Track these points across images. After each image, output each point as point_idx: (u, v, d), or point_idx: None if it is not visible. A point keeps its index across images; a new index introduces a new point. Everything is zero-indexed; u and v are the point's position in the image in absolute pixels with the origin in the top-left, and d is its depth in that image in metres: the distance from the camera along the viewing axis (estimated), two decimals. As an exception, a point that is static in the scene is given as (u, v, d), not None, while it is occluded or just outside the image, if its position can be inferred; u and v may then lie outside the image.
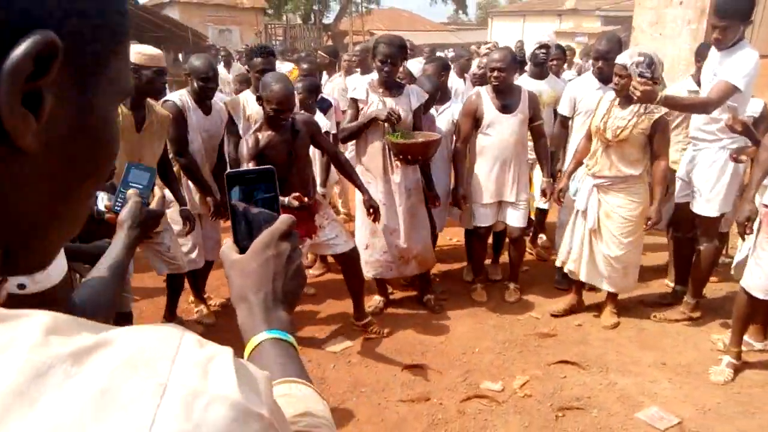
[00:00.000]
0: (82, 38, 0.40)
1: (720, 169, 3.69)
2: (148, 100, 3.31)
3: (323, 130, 3.95)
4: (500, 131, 3.99)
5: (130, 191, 1.31)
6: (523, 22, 24.09)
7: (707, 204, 3.73)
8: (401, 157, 3.75)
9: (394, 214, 3.91)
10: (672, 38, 6.80)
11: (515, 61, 4.03)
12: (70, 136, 0.42)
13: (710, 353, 3.61)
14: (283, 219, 0.74)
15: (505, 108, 3.97)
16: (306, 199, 3.22)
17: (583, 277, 3.95)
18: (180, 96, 3.65)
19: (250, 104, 3.94)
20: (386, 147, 3.82)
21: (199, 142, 3.69)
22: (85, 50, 0.41)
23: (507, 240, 4.46)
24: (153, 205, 1.36)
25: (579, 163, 3.90)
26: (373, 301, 4.22)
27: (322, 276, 4.79)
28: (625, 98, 3.55)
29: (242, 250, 0.74)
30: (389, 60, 3.68)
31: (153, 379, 0.34)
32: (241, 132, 3.82)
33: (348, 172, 3.68)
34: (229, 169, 0.86)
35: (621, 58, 3.56)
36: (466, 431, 2.90)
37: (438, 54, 5.99)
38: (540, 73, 4.70)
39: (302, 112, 3.72)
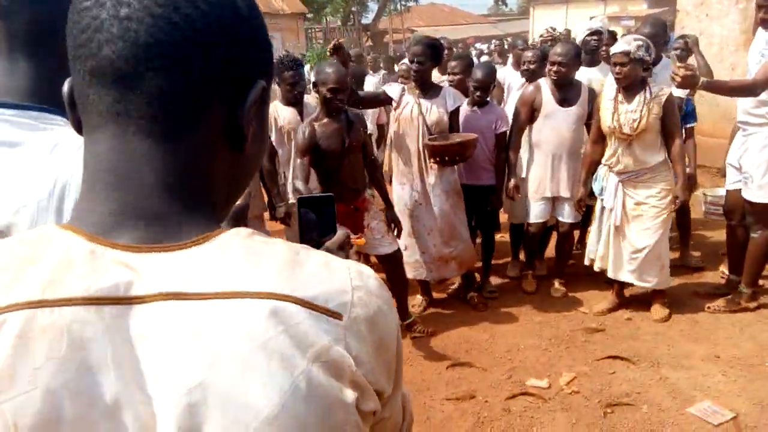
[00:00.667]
0: (268, 78, 0.64)
1: None
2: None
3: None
4: (557, 124, 3.97)
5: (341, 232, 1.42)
6: (566, 9, 23.54)
7: (759, 190, 3.58)
8: (437, 158, 3.76)
9: (431, 214, 3.92)
10: (719, 19, 6.55)
11: (578, 56, 3.97)
12: (256, 141, 0.65)
13: (768, 344, 3.47)
14: (340, 234, 0.94)
15: (564, 101, 3.95)
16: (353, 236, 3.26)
17: (610, 273, 3.88)
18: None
19: (281, 115, 4.01)
20: (421, 148, 3.84)
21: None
22: (269, 74, 0.65)
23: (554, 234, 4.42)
24: (240, 199, 1.45)
25: (591, 169, 3.86)
26: (416, 301, 4.24)
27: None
28: (626, 89, 3.51)
29: None
30: (417, 59, 3.69)
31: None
32: (274, 144, 3.91)
33: (378, 179, 3.71)
34: (299, 195, 1.15)
35: (619, 46, 3.50)
36: (512, 429, 2.89)
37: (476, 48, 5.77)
38: (591, 60, 4.57)
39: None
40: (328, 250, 0.89)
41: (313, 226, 0.96)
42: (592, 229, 3.99)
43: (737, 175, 3.79)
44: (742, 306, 3.81)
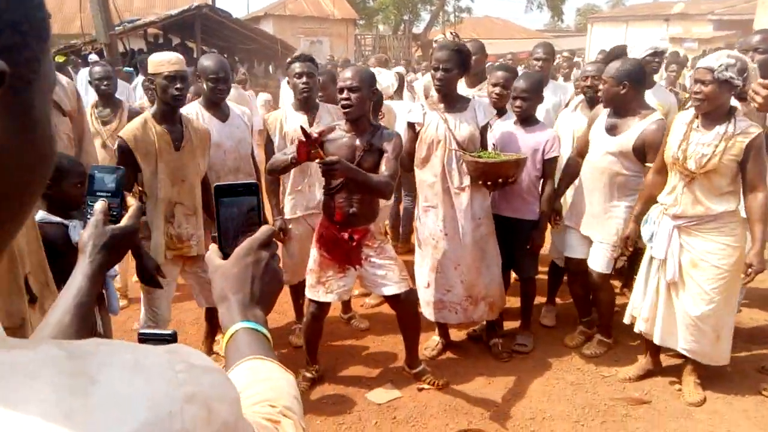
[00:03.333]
0: (17, 48, 0.42)
1: None
2: (183, 114, 3.02)
3: None
4: (596, 154, 3.41)
5: (98, 203, 1.07)
6: (626, 28, 22.61)
7: None
8: (484, 179, 3.23)
9: (458, 246, 3.39)
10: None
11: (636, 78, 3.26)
12: (17, 149, 0.43)
13: None
14: (263, 230, 0.86)
15: (612, 129, 3.35)
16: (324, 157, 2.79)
17: (657, 340, 3.20)
18: (192, 109, 3.34)
19: (289, 120, 3.58)
20: (446, 169, 3.31)
21: (221, 154, 3.34)
22: (19, 60, 0.42)
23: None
24: (124, 220, 1.07)
25: (649, 202, 3.18)
26: (431, 342, 3.70)
27: (378, 306, 4.31)
28: (707, 116, 2.86)
29: (225, 256, 0.85)
30: (442, 66, 3.16)
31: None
32: (276, 150, 3.47)
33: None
34: (217, 183, 0.89)
35: (705, 61, 2.86)
36: None
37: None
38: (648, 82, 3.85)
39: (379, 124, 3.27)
40: (251, 249, 0.84)
41: (234, 219, 0.86)
42: (637, 281, 3.32)
43: None
44: None
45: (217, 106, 3.40)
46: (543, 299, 4.09)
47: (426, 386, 3.28)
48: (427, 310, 3.52)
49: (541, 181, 3.55)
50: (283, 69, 11.38)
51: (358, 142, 2.98)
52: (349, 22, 25.01)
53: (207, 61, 3.32)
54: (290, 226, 3.63)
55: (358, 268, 3.16)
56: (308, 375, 3.29)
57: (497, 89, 3.62)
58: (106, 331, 2.58)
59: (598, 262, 3.43)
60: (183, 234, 3.02)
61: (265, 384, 0.75)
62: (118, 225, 1.06)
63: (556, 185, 3.60)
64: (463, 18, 31.64)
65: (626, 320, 3.37)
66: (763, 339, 3.81)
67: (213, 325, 3.55)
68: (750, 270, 2.82)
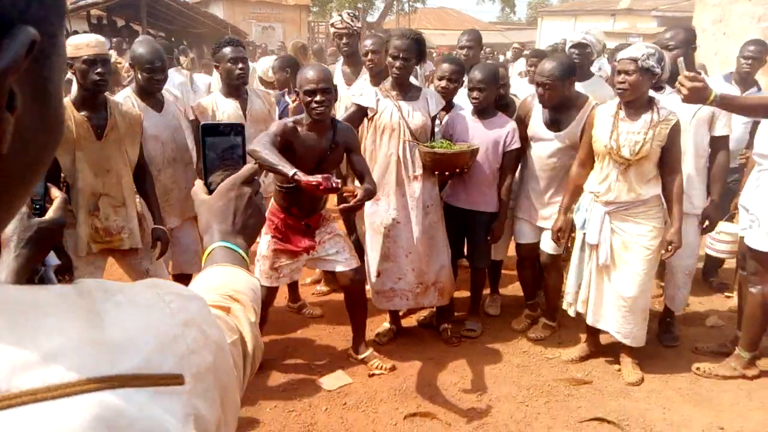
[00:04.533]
0: (43, 23, 0.40)
1: None
2: (110, 99, 2.89)
3: None
4: (543, 149, 3.49)
5: None
6: (575, 22, 23.08)
7: (766, 237, 3.07)
8: (439, 169, 3.31)
9: (410, 234, 3.42)
10: (738, 37, 6.05)
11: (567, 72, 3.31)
12: (32, 125, 0.42)
13: (781, 416, 2.97)
14: (247, 167, 0.91)
15: (553, 124, 3.43)
16: (326, 182, 2.65)
17: (589, 320, 3.36)
18: (124, 96, 3.22)
19: (220, 108, 3.53)
20: (401, 158, 3.33)
21: (159, 145, 3.23)
22: (43, 32, 0.40)
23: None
24: (50, 212, 1.05)
25: (575, 194, 3.31)
26: (382, 329, 3.73)
27: (328, 294, 4.31)
28: (631, 105, 3.01)
29: (211, 191, 0.91)
30: (402, 55, 3.18)
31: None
32: None
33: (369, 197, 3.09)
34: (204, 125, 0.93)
35: (627, 51, 2.99)
36: (472, 508, 2.38)
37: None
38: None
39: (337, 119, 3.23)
40: (234, 184, 0.89)
41: (218, 157, 0.91)
42: (571, 266, 3.43)
43: (746, 219, 3.28)
44: (738, 373, 3.29)
45: (152, 95, 3.28)
46: (486, 290, 4.18)
47: (376, 371, 3.31)
48: (377, 300, 3.54)
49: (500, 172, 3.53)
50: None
51: (323, 141, 2.96)
52: (302, 8, 24.63)
53: (141, 49, 3.18)
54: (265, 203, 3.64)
55: (311, 252, 3.16)
56: None
57: (443, 83, 3.58)
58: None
59: (549, 243, 3.53)
60: (111, 227, 2.87)
61: (223, 278, 0.81)
62: (44, 218, 1.02)
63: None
64: (417, 8, 31.66)
65: (564, 306, 3.49)
66: (697, 320, 4.01)
67: None
68: (670, 246, 3.03)
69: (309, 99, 2.84)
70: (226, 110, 3.52)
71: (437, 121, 3.58)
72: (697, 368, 3.36)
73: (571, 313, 3.43)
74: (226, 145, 0.91)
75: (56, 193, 1.08)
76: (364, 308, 3.36)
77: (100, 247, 2.89)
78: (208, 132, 0.91)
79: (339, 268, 3.23)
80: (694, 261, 3.64)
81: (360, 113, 3.36)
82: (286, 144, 2.84)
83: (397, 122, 3.31)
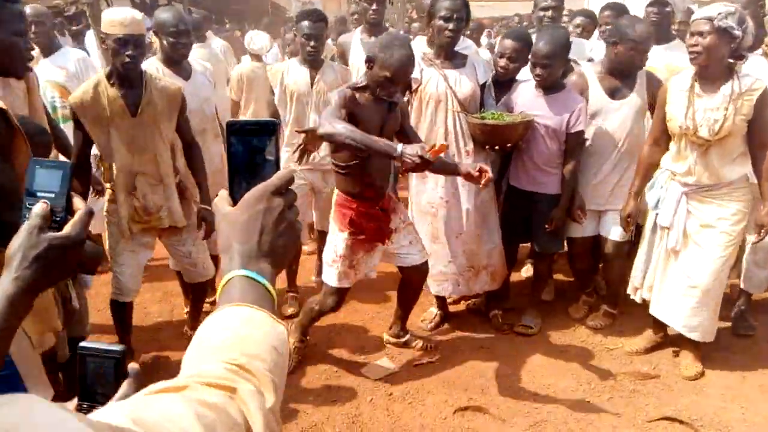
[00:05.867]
0: None
1: None
2: (149, 74, 2.73)
3: None
4: (608, 122, 3.17)
5: (37, 206, 0.85)
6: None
7: None
8: (489, 143, 3.04)
9: (459, 214, 3.19)
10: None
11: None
12: None
13: None
14: (280, 174, 0.73)
15: (616, 92, 3.13)
16: (429, 151, 2.39)
17: (655, 312, 3.04)
18: (149, 65, 3.05)
19: (291, 73, 3.48)
20: (449, 130, 3.10)
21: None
22: None
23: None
24: (67, 227, 0.84)
25: (647, 177, 2.98)
26: (428, 314, 3.52)
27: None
28: (705, 76, 2.65)
29: (236, 203, 0.74)
30: (456, 16, 2.91)
31: None
32: (276, 102, 3.51)
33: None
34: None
35: (702, 12, 2.63)
36: None
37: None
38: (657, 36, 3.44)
39: None
40: (263, 195, 0.72)
41: (247, 161, 0.74)
42: (640, 250, 3.12)
43: None
44: None
45: (178, 63, 3.16)
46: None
47: (420, 356, 3.12)
48: (426, 284, 3.33)
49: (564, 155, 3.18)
50: (275, 28, 10.95)
51: (383, 106, 2.69)
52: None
53: (164, 14, 3.06)
54: None
55: (386, 242, 2.90)
56: (300, 346, 3.10)
57: (503, 61, 3.27)
58: (81, 305, 2.38)
59: (614, 229, 3.23)
60: (149, 205, 2.75)
61: (236, 333, 0.64)
62: (58, 234, 0.83)
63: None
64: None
65: (629, 291, 3.19)
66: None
67: (194, 299, 3.32)
68: (763, 230, 2.70)
69: (387, 84, 2.52)
70: (296, 78, 3.44)
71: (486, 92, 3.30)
72: (779, 363, 3.04)
73: (637, 298, 3.15)
74: (256, 147, 0.74)
75: (79, 204, 0.88)
76: (418, 295, 3.16)
77: (139, 227, 2.79)
78: (234, 130, 0.74)
79: (410, 262, 2.95)
80: None
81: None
82: (348, 115, 2.56)
83: (444, 92, 3.06)
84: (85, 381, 0.75)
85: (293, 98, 3.45)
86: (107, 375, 0.75)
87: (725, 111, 2.62)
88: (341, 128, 2.41)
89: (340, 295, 2.90)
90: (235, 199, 0.74)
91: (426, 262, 3.00)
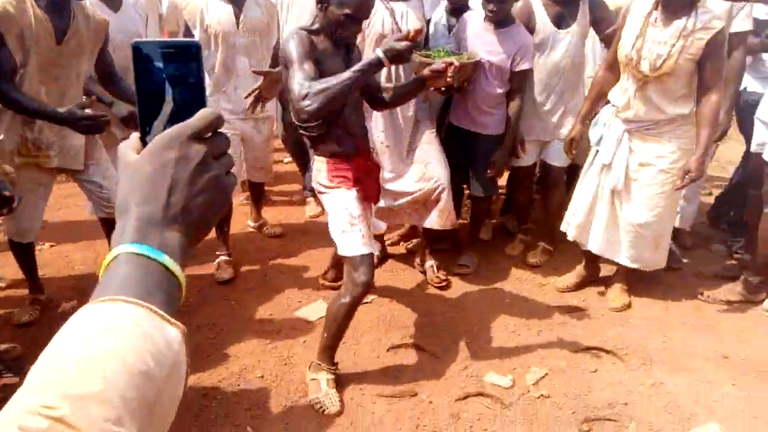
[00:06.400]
0: None
1: None
2: (76, 0, 2.49)
3: None
4: (553, 52, 3.11)
5: None
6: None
7: None
8: (434, 84, 2.81)
9: (399, 157, 3.08)
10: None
11: None
12: None
13: (789, 343, 2.80)
14: (202, 114, 0.56)
15: (562, 21, 3.06)
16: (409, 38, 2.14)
17: (595, 249, 3.06)
18: None
19: (210, 11, 3.05)
20: (392, 71, 2.95)
21: (110, 50, 2.78)
22: None
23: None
24: None
25: (597, 102, 2.95)
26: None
27: (316, 217, 4.05)
28: (668, 7, 2.56)
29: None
30: None
31: None
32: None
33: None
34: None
35: None
36: (459, 445, 2.21)
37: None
38: None
39: None
40: (177, 139, 0.54)
41: (161, 95, 0.56)
42: (579, 187, 3.13)
43: (765, 134, 2.98)
44: (744, 298, 3.08)
45: None
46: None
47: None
48: (379, 217, 3.20)
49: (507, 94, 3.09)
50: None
51: (341, 49, 2.33)
52: None
53: None
54: None
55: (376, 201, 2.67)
56: (330, 377, 2.47)
57: None
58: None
59: (556, 155, 3.24)
60: (42, 140, 2.53)
61: (81, 354, 0.43)
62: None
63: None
64: None
65: (563, 227, 3.23)
66: (700, 244, 3.79)
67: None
68: (687, 176, 2.64)
69: (349, 22, 2.18)
70: (219, 16, 3.04)
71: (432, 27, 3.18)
72: (701, 293, 3.16)
73: (569, 236, 3.18)
74: (173, 77, 0.57)
75: None
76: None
77: (23, 161, 2.54)
78: (144, 56, 0.56)
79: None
80: (705, 172, 3.36)
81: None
82: (314, 59, 2.20)
83: (390, 29, 2.87)
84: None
85: (218, 39, 3.08)
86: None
87: (671, 47, 2.56)
88: (327, 91, 2.01)
89: (370, 263, 2.34)
90: (146, 144, 0.57)
91: None
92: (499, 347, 2.76)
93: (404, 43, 2.02)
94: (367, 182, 2.44)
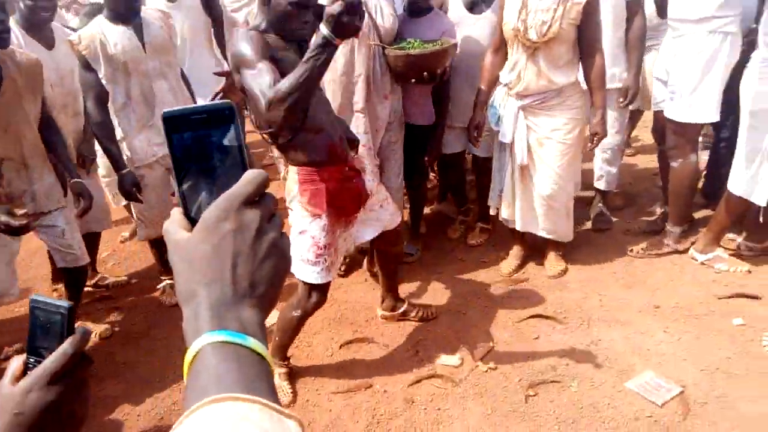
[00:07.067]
0: None
1: (707, 63, 2.90)
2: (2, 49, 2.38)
3: None
4: (469, 38, 3.18)
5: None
6: None
7: (689, 108, 2.97)
8: (414, 75, 2.79)
9: (372, 158, 2.95)
10: None
11: None
12: None
13: (713, 285, 2.99)
14: (250, 177, 0.52)
15: (475, 6, 3.13)
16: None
17: (519, 226, 3.19)
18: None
19: (110, 38, 2.74)
20: (372, 68, 2.84)
21: (47, 89, 2.71)
22: None
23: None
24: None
25: (491, 86, 3.05)
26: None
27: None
28: None
29: (195, 224, 0.53)
30: None
31: None
32: (104, 81, 2.76)
33: None
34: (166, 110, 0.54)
35: None
36: (415, 428, 2.29)
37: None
38: None
39: None
40: (229, 208, 0.51)
41: (202, 165, 0.53)
42: (493, 169, 3.26)
43: (664, 91, 3.16)
44: (671, 248, 3.27)
45: (39, 29, 2.82)
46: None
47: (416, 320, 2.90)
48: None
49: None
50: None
51: (294, 46, 2.17)
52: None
53: None
54: (143, 174, 2.95)
55: (362, 209, 2.41)
56: (282, 371, 2.54)
57: None
58: None
59: (481, 146, 3.33)
60: (14, 192, 2.48)
61: None
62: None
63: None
64: None
65: (492, 211, 3.35)
66: (628, 202, 3.98)
67: (68, 287, 2.96)
68: (596, 138, 2.83)
69: (295, 7, 2.01)
70: (119, 42, 2.75)
71: None
72: (631, 250, 3.33)
73: (500, 217, 3.30)
74: (211, 144, 0.54)
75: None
76: (401, 259, 2.89)
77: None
78: (175, 125, 0.54)
79: (390, 226, 2.49)
80: (621, 137, 3.54)
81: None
82: (270, 56, 2.03)
83: (366, 24, 2.67)
84: (33, 334, 0.68)
85: (127, 69, 2.79)
86: (53, 329, 0.67)
87: (554, 13, 2.68)
88: (294, 93, 1.80)
89: (325, 290, 2.38)
90: (192, 219, 0.54)
91: (400, 224, 2.59)
92: (447, 328, 2.85)
93: (336, 5, 1.72)
94: (344, 194, 2.25)
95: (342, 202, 2.25)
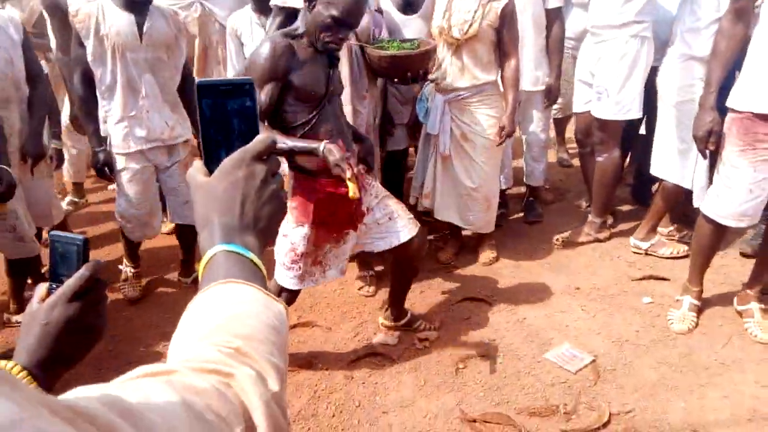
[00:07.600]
0: None
1: (630, 65, 3.20)
2: None
3: None
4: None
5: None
6: None
7: (615, 106, 3.26)
8: (397, 75, 2.82)
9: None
10: None
11: None
12: None
13: (627, 269, 3.28)
14: (261, 138, 0.68)
15: (408, 7, 3.27)
16: (348, 151, 2.19)
17: (437, 214, 3.40)
18: None
19: (108, 19, 2.73)
20: (355, 71, 2.91)
21: None
22: None
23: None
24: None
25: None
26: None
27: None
28: None
29: (211, 173, 0.68)
30: None
31: None
32: (90, 57, 2.74)
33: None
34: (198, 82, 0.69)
35: None
36: (352, 400, 2.46)
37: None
38: None
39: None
40: (242, 161, 0.66)
41: (222, 126, 0.69)
42: (417, 160, 3.48)
43: (588, 93, 3.44)
44: (592, 238, 3.56)
45: None
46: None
47: (423, 337, 2.81)
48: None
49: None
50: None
51: (324, 56, 2.23)
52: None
53: None
54: (123, 165, 2.92)
55: (359, 226, 2.43)
56: None
57: None
58: None
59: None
60: None
61: (227, 314, 0.57)
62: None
63: None
64: None
65: (411, 200, 3.53)
66: (558, 196, 4.27)
67: (13, 277, 3.04)
68: (504, 132, 3.04)
69: (336, 25, 2.08)
70: (116, 24, 2.72)
71: None
72: (556, 239, 3.60)
73: (420, 207, 3.49)
74: (232, 110, 0.69)
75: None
76: (415, 274, 2.77)
77: None
78: (206, 93, 0.68)
79: (402, 239, 2.44)
80: (546, 134, 3.82)
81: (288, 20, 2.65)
82: (283, 74, 2.11)
83: None
84: (53, 263, 0.84)
85: (116, 53, 2.75)
86: (71, 258, 0.83)
87: (474, 13, 2.92)
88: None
89: (293, 296, 2.48)
90: (211, 170, 0.69)
91: (420, 231, 2.51)
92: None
93: (340, 162, 2.07)
94: (334, 207, 2.28)
95: (331, 216, 2.30)
